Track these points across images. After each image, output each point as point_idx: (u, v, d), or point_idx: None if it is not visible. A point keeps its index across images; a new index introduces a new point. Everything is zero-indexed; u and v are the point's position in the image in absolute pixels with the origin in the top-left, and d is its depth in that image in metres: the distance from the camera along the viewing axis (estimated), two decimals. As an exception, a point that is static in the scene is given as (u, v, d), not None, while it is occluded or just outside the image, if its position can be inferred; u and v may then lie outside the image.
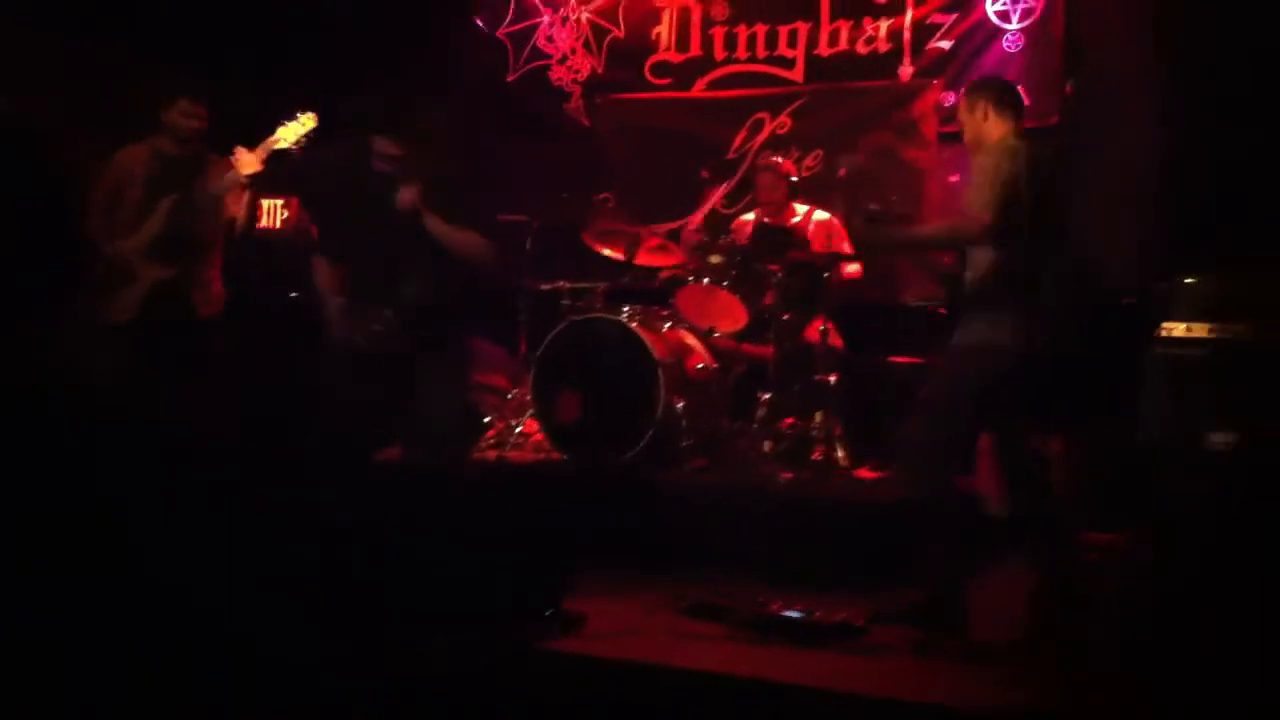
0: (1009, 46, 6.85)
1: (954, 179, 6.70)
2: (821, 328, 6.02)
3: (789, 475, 5.73)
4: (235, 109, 5.64)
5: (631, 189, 7.56)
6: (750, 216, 6.75)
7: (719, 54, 7.55)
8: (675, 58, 7.66)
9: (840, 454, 5.88)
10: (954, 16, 7.00)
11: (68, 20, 6.35)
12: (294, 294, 6.45)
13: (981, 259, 4.35)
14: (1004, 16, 6.86)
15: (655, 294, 6.60)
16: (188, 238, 5.38)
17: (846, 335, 6.35)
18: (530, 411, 6.28)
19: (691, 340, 6.20)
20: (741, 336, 6.30)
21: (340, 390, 4.84)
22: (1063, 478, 4.78)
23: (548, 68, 7.91)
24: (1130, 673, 3.75)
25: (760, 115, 7.40)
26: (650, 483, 5.57)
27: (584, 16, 7.82)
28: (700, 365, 6.10)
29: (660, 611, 4.36)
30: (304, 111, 5.34)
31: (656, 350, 5.81)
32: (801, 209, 6.60)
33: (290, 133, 5.29)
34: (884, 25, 7.15)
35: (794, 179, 6.61)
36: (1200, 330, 4.77)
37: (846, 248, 6.42)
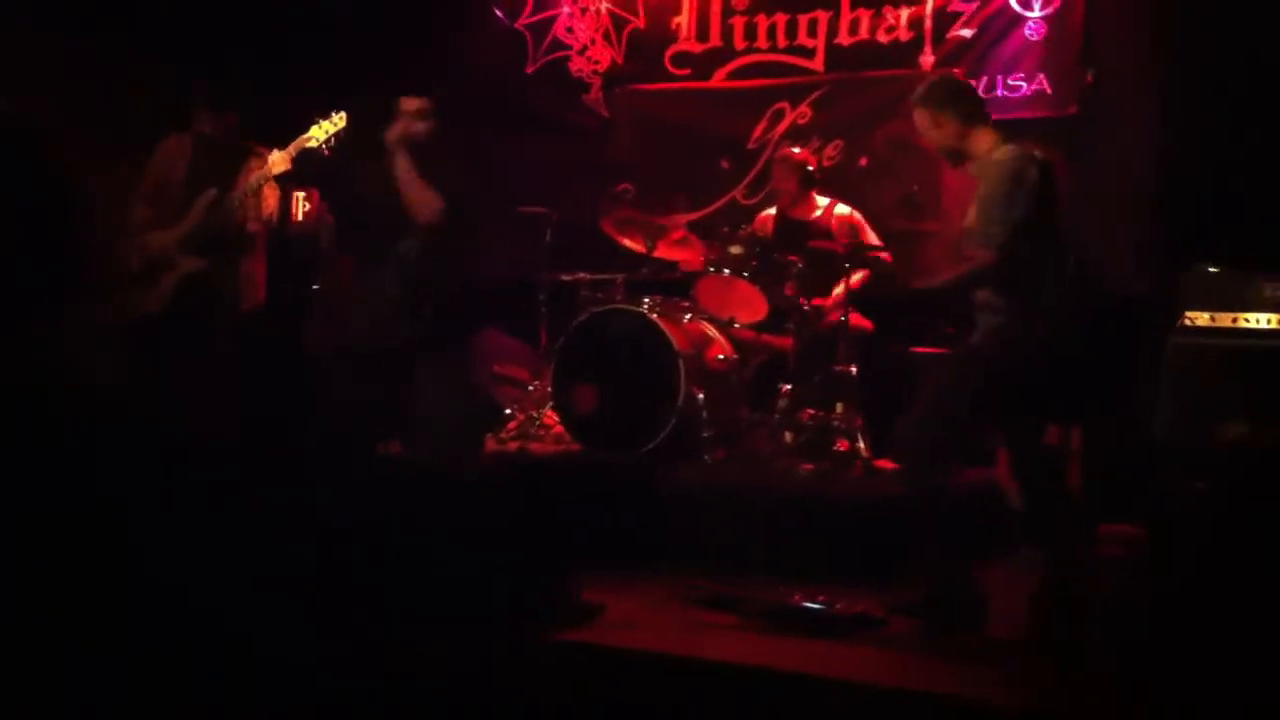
0: (1030, 34, 6.80)
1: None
2: (840, 317, 6.01)
3: (809, 467, 5.73)
4: (264, 105, 5.69)
5: (651, 180, 7.55)
6: (772, 210, 6.73)
7: (739, 44, 7.52)
8: (695, 48, 7.64)
9: (861, 445, 5.86)
10: (975, 4, 6.94)
11: (68, 20, 6.39)
12: (315, 286, 6.48)
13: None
14: (1025, 4, 6.80)
15: (675, 285, 6.59)
16: (223, 231, 5.46)
17: (874, 321, 6.32)
18: (551, 403, 6.30)
19: (712, 331, 6.20)
20: (762, 327, 6.30)
21: (345, 387, 4.89)
22: (1079, 472, 4.77)
23: (567, 59, 7.91)
24: (1142, 669, 3.73)
25: (781, 105, 7.37)
26: (668, 475, 5.57)
27: (603, 7, 7.81)
28: (720, 356, 6.10)
29: (675, 603, 4.37)
30: (336, 111, 5.39)
31: (677, 341, 5.81)
32: (823, 201, 6.57)
33: (321, 131, 5.35)
34: (905, 13, 7.11)
35: (810, 169, 6.57)
36: (1225, 320, 4.75)
37: (873, 239, 6.40)
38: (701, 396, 5.81)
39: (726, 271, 6.18)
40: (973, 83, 6.81)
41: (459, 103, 5.34)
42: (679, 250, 6.60)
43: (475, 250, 5.41)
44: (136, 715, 1.45)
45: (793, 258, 6.12)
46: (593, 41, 7.83)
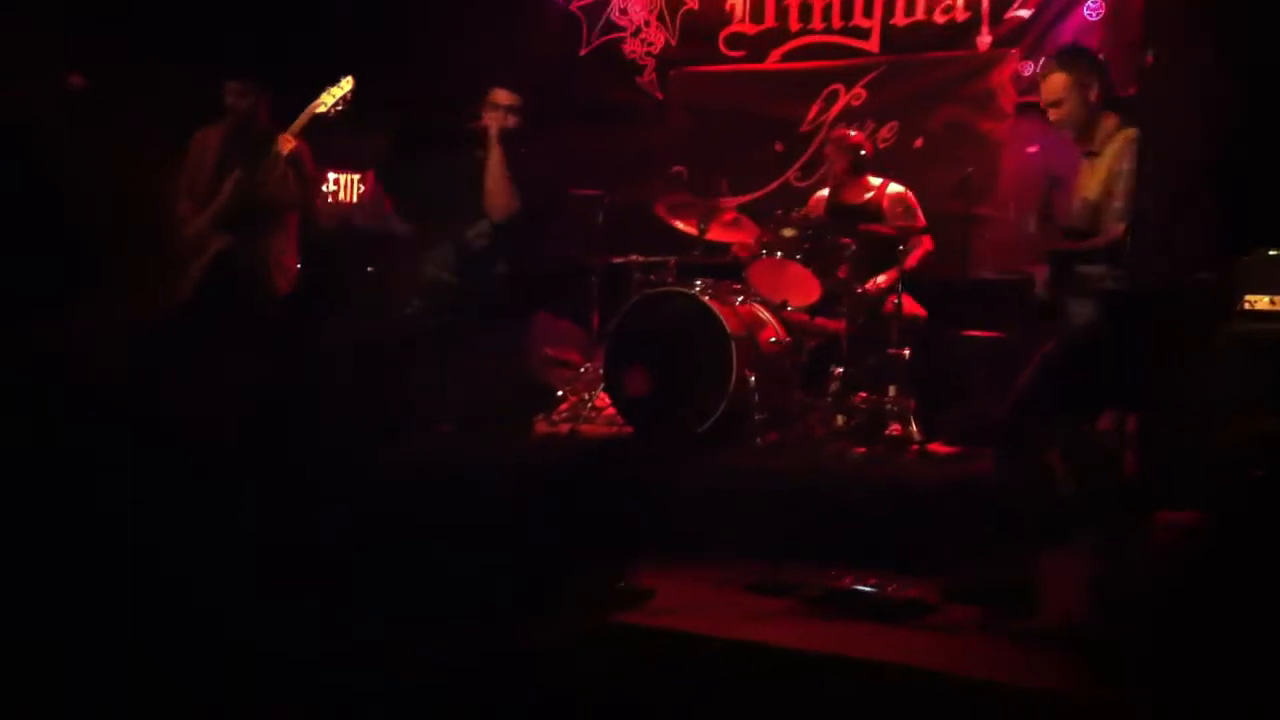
0: (1090, 15, 6.72)
1: (1031, 150, 6.59)
2: (895, 300, 5.98)
3: (861, 450, 5.72)
4: (300, 91, 5.75)
5: (704, 163, 7.54)
6: (825, 192, 6.70)
7: (794, 25, 7.48)
8: (750, 29, 7.61)
9: (914, 429, 5.84)
10: (1033, -15, 6.88)
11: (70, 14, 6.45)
12: (370, 269, 6.53)
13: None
14: (1085, -16, 6.73)
15: (727, 268, 6.58)
16: (250, 210, 5.57)
17: (927, 306, 6.29)
18: (603, 385, 6.31)
19: (764, 314, 6.18)
20: (814, 310, 6.27)
21: (387, 370, 4.96)
22: (1135, 459, 4.71)
23: (621, 41, 7.90)
24: (1197, 657, 3.70)
25: (835, 87, 7.33)
26: (719, 458, 5.57)
27: (658, -11, 7.80)
28: (773, 339, 6.08)
29: (728, 586, 4.37)
30: (343, 76, 5.47)
31: (729, 324, 5.80)
32: (875, 182, 6.54)
33: (329, 97, 5.43)
34: (962, -7, 7.05)
35: (862, 151, 6.53)
36: (1287, 303, 4.69)
37: (921, 220, 6.37)
38: (753, 379, 5.80)
39: (779, 254, 6.17)
40: (1029, 64, 6.78)
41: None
42: (731, 233, 6.59)
43: (536, 238, 5.46)
44: (138, 715, 1.47)
45: (846, 240, 6.09)
46: (646, 23, 7.82)
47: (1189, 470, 4.76)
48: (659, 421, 5.91)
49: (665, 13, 7.79)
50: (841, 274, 6.13)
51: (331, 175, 7.17)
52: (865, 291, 6.13)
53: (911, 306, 6.14)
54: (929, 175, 6.67)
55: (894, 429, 5.85)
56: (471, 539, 3.74)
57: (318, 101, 5.47)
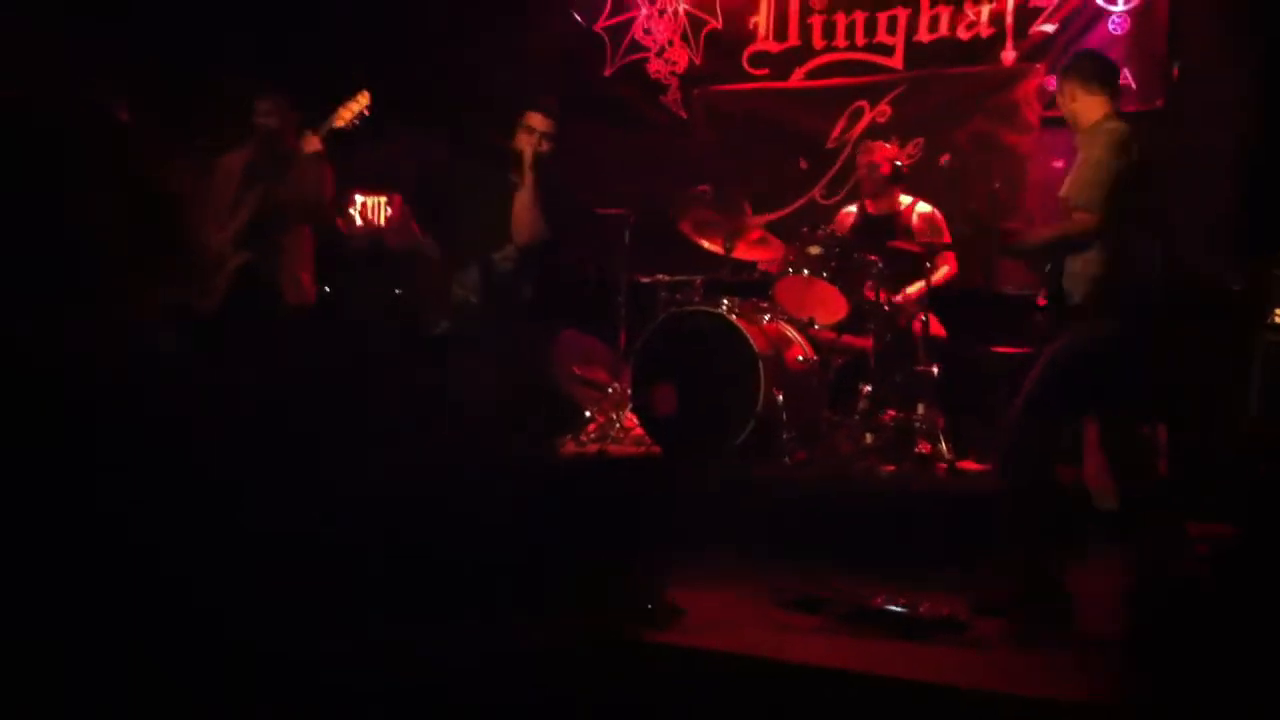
0: (1114, 29, 6.71)
1: (1058, 164, 6.58)
2: (923, 318, 5.96)
3: (890, 468, 5.70)
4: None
5: (729, 181, 7.55)
6: (853, 208, 6.70)
7: (817, 43, 7.49)
8: (773, 47, 7.63)
9: (943, 446, 5.81)
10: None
11: (140, 25, 6.52)
12: (397, 290, 6.56)
13: (1085, 250, 4.27)
14: (1110, -2, 6.72)
15: (754, 286, 6.58)
16: (269, 226, 5.64)
17: (948, 326, 6.28)
18: (630, 405, 6.31)
19: (791, 332, 6.18)
20: (841, 328, 6.26)
21: (412, 384, 5.00)
22: (1168, 467, 4.70)
23: (645, 60, 7.93)
24: (1233, 669, 3.67)
25: (860, 104, 7.34)
26: (748, 476, 5.56)
27: (681, 8, 7.83)
28: (800, 357, 6.08)
29: (760, 604, 4.36)
30: (360, 90, 5.52)
31: (756, 342, 5.80)
32: (905, 199, 6.53)
33: (347, 112, 5.47)
34: (986, 9, 7.05)
35: (898, 163, 6.53)
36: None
37: (947, 239, 6.36)
38: (781, 398, 5.79)
39: (805, 272, 6.16)
40: (1054, 79, 6.77)
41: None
42: (757, 250, 6.59)
43: (562, 260, 5.49)
44: (138, 715, 1.48)
45: (872, 257, 6.09)
46: (670, 43, 7.85)
47: (1221, 481, 4.73)
48: (687, 441, 5.90)
49: (689, 32, 7.82)
50: (868, 291, 6.12)
51: (359, 197, 7.21)
52: (894, 303, 6.12)
53: (934, 327, 6.13)
54: (955, 190, 6.66)
55: (923, 447, 5.83)
56: (499, 558, 3.75)
57: (336, 115, 5.51)
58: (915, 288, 6.14)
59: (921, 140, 7.14)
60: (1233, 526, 4.52)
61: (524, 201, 5.22)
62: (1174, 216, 4.44)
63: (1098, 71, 4.45)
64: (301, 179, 5.56)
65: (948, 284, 6.34)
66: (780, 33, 7.60)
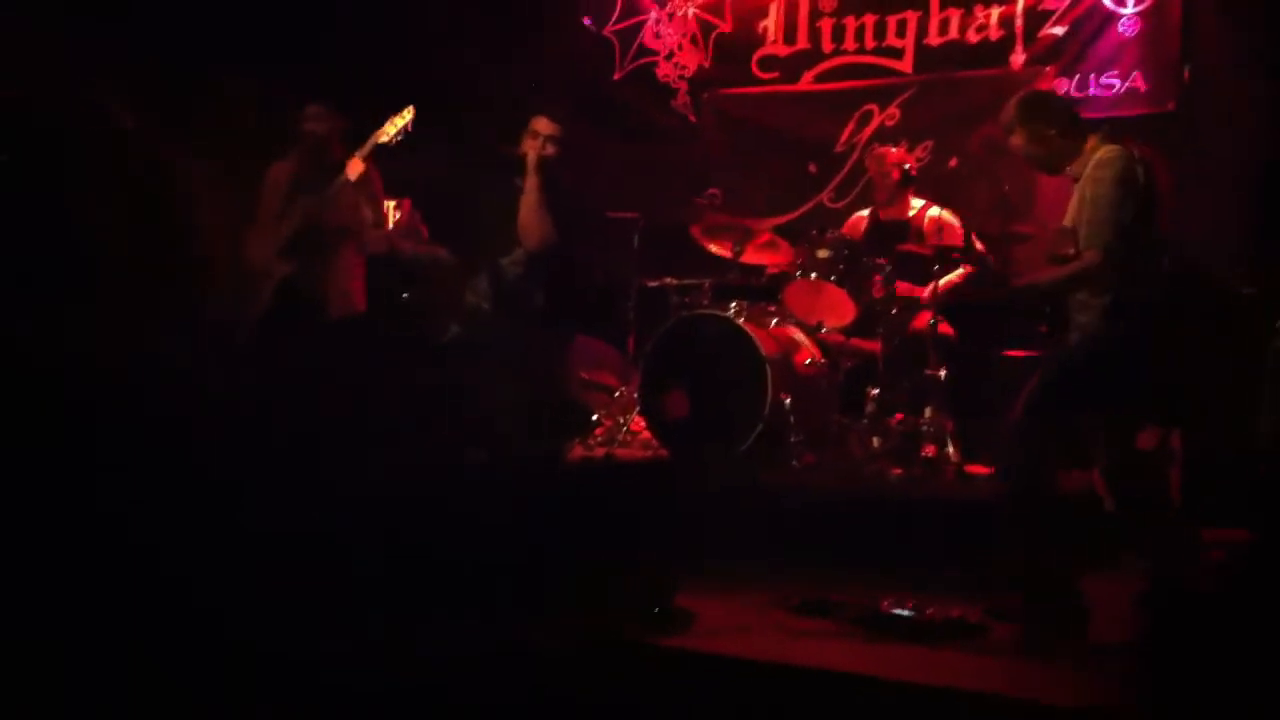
0: (1125, 31, 6.69)
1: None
2: (931, 321, 5.94)
3: (899, 472, 5.68)
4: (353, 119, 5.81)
5: (738, 184, 7.55)
6: (865, 212, 6.68)
7: (827, 46, 7.48)
8: (782, 51, 7.61)
9: (951, 450, 5.79)
10: (1068, 2, 6.85)
11: (184, 39, 6.52)
12: (405, 294, 6.55)
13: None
14: (1119, 1, 6.69)
15: (762, 290, 6.56)
16: (315, 237, 5.61)
17: (958, 328, 6.25)
18: (638, 408, 6.30)
19: (799, 336, 6.16)
20: (850, 332, 6.24)
21: (429, 391, 5.00)
22: (1179, 476, 4.67)
23: (654, 64, 7.92)
24: (1247, 676, 3.64)
25: (869, 107, 7.32)
26: (757, 480, 5.55)
27: (691, 12, 7.82)
28: (808, 361, 6.06)
29: (770, 609, 4.35)
30: (405, 106, 5.51)
31: (764, 346, 5.79)
32: (917, 203, 6.51)
33: (391, 127, 5.46)
34: (995, 12, 7.03)
35: (908, 167, 6.51)
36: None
37: (959, 242, 6.33)
38: (789, 401, 5.78)
39: (814, 275, 6.15)
40: (1064, 81, 6.76)
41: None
42: (766, 254, 6.57)
43: (572, 264, 5.47)
44: (138, 715, 1.46)
45: (881, 261, 6.07)
46: (680, 47, 7.84)
47: (1234, 488, 4.70)
48: (695, 445, 5.89)
49: (698, 36, 7.81)
50: (877, 294, 6.10)
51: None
52: (903, 298, 6.08)
53: (942, 327, 6.10)
54: (965, 194, 6.64)
55: (930, 450, 5.81)
56: (502, 559, 3.73)
57: (381, 131, 5.50)
58: (947, 278, 6.04)
59: (931, 143, 7.12)
60: (1247, 532, 4.50)
61: (529, 205, 5.20)
62: (1184, 220, 4.40)
63: (1063, 107, 4.44)
64: (342, 204, 5.55)
65: (960, 289, 6.30)
66: (789, 36, 7.58)
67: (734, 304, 6.11)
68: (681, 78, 7.85)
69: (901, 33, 7.28)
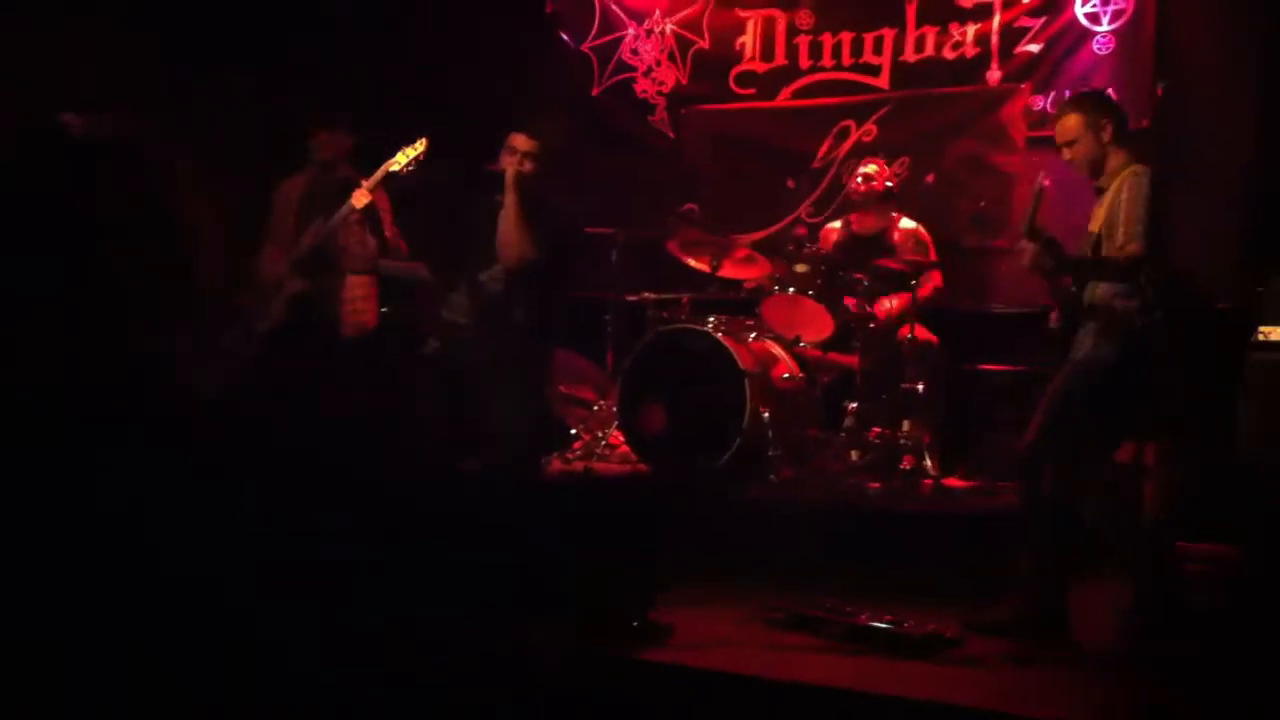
0: (1099, 49, 6.73)
1: (1046, 183, 6.59)
2: (909, 334, 5.97)
3: (877, 485, 5.70)
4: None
5: (716, 200, 7.56)
6: (837, 225, 6.71)
7: (804, 63, 7.50)
8: (760, 67, 7.64)
9: (929, 463, 5.82)
10: (1043, 20, 6.89)
11: (190, 49, 6.53)
12: (384, 309, 6.53)
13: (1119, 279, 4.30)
14: (1094, 19, 6.74)
15: (741, 304, 6.58)
16: (327, 256, 5.68)
17: (940, 339, 6.28)
18: (617, 423, 6.30)
19: (777, 350, 6.18)
20: (828, 346, 6.27)
21: (424, 404, 5.00)
22: (1158, 488, 4.70)
23: (633, 80, 7.93)
24: (1231, 688, 3.66)
25: (846, 123, 7.34)
26: (736, 494, 5.55)
27: (669, 28, 7.84)
28: (786, 375, 6.08)
29: (749, 622, 4.34)
30: (418, 137, 5.51)
31: (742, 360, 5.80)
32: (889, 216, 6.55)
33: (403, 157, 5.47)
34: (971, 30, 7.07)
35: (889, 184, 6.56)
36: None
37: (933, 255, 6.38)
38: (767, 415, 5.79)
39: (792, 290, 6.17)
40: (1039, 98, 6.81)
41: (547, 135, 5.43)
42: (744, 269, 6.60)
43: (553, 280, 5.47)
44: (138, 715, 1.46)
45: (858, 275, 6.10)
46: (658, 63, 7.85)
47: (1210, 501, 4.73)
48: (674, 459, 5.89)
49: (676, 52, 7.83)
50: (853, 307, 6.14)
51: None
52: (875, 316, 6.13)
53: (923, 333, 6.13)
54: (942, 210, 6.68)
55: (907, 463, 5.83)
56: (492, 569, 3.73)
57: (392, 160, 5.50)
58: (896, 301, 6.15)
59: (908, 159, 7.15)
60: (1228, 546, 4.53)
61: (507, 221, 5.20)
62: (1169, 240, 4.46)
63: (1124, 115, 4.58)
64: (347, 233, 5.57)
65: (934, 299, 6.35)
66: (767, 53, 7.61)
67: (712, 318, 6.13)
68: (660, 94, 7.86)
69: (878, 50, 7.31)
